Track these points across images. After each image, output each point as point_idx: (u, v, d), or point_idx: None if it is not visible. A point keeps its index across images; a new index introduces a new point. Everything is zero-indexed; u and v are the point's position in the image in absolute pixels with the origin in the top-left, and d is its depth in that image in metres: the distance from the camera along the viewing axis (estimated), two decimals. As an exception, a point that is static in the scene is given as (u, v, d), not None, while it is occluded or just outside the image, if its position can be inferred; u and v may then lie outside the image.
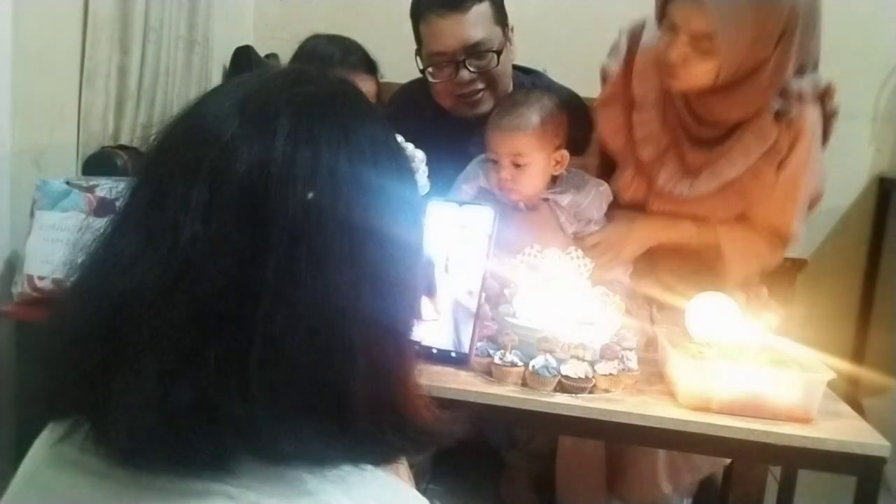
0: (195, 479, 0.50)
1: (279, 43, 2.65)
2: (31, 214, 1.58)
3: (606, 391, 1.22)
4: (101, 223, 0.58)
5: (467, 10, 1.71)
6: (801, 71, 1.45)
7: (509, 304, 1.32)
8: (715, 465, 1.66)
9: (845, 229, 2.53)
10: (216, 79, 2.52)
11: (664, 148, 1.56)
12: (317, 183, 0.54)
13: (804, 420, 1.16)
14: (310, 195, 0.54)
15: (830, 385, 1.20)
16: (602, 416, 1.17)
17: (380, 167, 0.59)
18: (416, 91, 1.89)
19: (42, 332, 0.58)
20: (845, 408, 1.24)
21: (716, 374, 1.18)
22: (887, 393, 2.17)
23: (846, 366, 1.49)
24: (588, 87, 1.78)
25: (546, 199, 1.60)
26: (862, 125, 2.45)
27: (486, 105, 1.79)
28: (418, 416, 0.60)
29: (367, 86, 1.67)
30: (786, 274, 1.87)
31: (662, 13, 1.44)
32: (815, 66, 1.49)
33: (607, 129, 1.65)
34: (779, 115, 1.47)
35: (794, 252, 1.97)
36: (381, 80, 1.92)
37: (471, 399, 1.20)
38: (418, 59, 1.81)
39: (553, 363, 1.20)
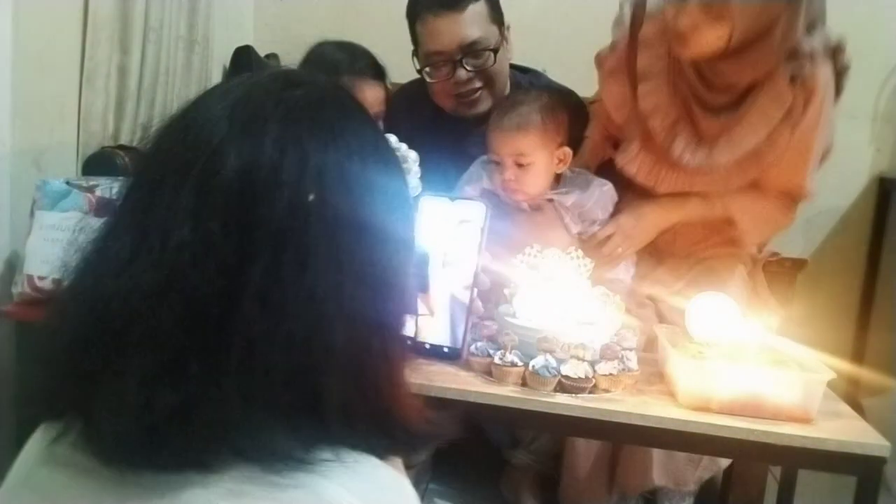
0: (177, 476, 0.51)
1: (279, 43, 2.66)
2: (31, 214, 1.58)
3: (606, 391, 1.22)
4: (97, 223, 0.58)
5: (463, 10, 1.71)
6: (810, 27, 1.42)
7: (509, 304, 1.32)
8: (714, 465, 1.66)
9: (845, 229, 2.53)
10: (216, 79, 2.52)
11: (674, 119, 1.54)
12: (303, 188, 0.55)
13: (804, 420, 1.16)
14: (296, 201, 0.54)
15: (830, 385, 1.20)
16: (602, 416, 1.17)
17: (369, 170, 0.59)
18: (415, 92, 1.89)
19: (40, 332, 0.59)
20: (845, 408, 1.24)
21: (716, 374, 1.18)
22: (887, 393, 2.17)
23: (846, 366, 1.48)
24: (588, 87, 1.78)
25: (550, 200, 1.59)
26: (862, 125, 2.45)
27: (485, 104, 1.79)
28: (407, 416, 0.61)
29: (375, 92, 1.67)
30: (786, 274, 1.86)
31: None
32: (824, 22, 1.46)
33: (612, 102, 1.63)
34: (793, 79, 1.45)
35: (794, 252, 1.98)
36: (382, 82, 1.92)
37: (471, 399, 1.20)
38: (415, 59, 1.81)
39: (553, 363, 1.20)
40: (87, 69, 1.89)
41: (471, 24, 1.73)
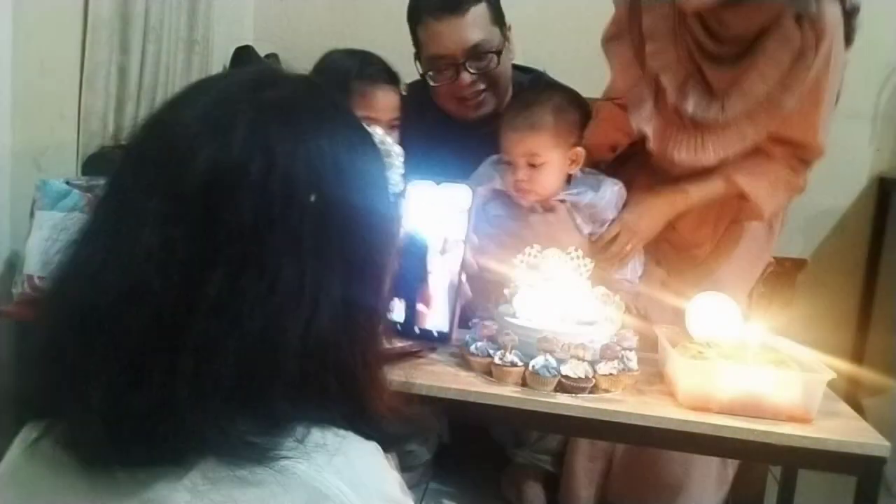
0: (148, 472, 0.53)
1: (279, 43, 2.66)
2: (31, 214, 1.58)
3: (606, 391, 1.22)
4: (79, 222, 0.60)
5: (465, 13, 1.71)
6: None
7: (509, 304, 1.32)
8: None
9: (845, 229, 2.53)
10: (216, 79, 2.52)
11: (684, 77, 1.53)
12: (269, 193, 0.55)
13: (804, 420, 1.16)
14: (261, 205, 0.55)
15: (830, 385, 1.20)
16: (602, 416, 1.17)
17: (343, 172, 0.59)
18: (417, 93, 1.89)
19: (29, 333, 0.60)
20: (845, 408, 1.24)
21: (716, 374, 1.18)
22: (887, 393, 2.17)
23: (846, 366, 1.48)
24: (588, 88, 1.78)
25: (563, 201, 1.59)
26: (862, 125, 2.45)
27: (488, 106, 1.79)
28: (380, 411, 0.61)
29: (388, 98, 1.63)
30: (786, 274, 1.87)
31: None
32: None
33: (618, 64, 1.62)
34: (799, 18, 1.42)
35: (793, 252, 1.98)
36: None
37: (471, 399, 1.20)
38: (417, 63, 1.81)
39: (553, 363, 1.20)
40: (87, 69, 1.89)
41: (473, 26, 1.72)
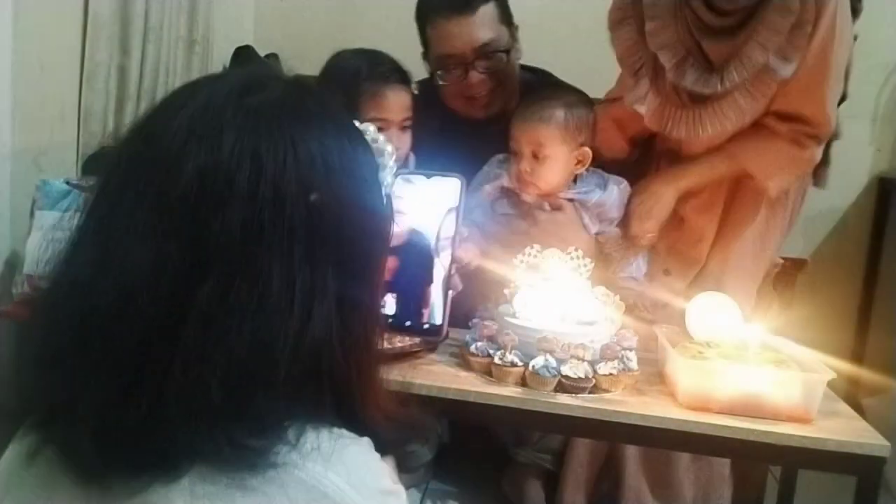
0: (141, 482, 0.53)
1: (279, 43, 2.66)
2: (31, 214, 1.58)
3: (606, 391, 1.22)
4: (69, 227, 0.60)
5: (474, 12, 1.71)
6: None
7: (509, 304, 1.32)
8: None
9: (845, 229, 2.53)
10: (216, 79, 2.52)
11: (683, 55, 1.53)
12: (257, 205, 0.55)
13: (804, 420, 1.16)
14: (250, 215, 0.54)
15: (830, 385, 1.20)
16: (602, 416, 1.17)
17: (333, 178, 0.59)
18: (423, 92, 1.88)
19: (29, 342, 0.60)
20: (845, 408, 1.24)
21: (716, 374, 1.18)
22: (887, 393, 2.17)
23: (846, 366, 1.48)
24: (588, 87, 1.78)
25: (571, 200, 1.59)
26: (862, 125, 2.45)
27: (496, 105, 1.79)
28: (374, 416, 0.62)
29: (400, 98, 1.59)
30: (786, 274, 1.86)
31: None
32: None
33: (624, 49, 1.62)
34: None
35: (794, 252, 1.98)
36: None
37: (471, 399, 1.20)
38: (426, 62, 1.81)
39: (553, 363, 1.20)
40: (87, 69, 1.90)
41: (482, 26, 1.72)
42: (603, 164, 1.67)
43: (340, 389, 0.59)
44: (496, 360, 1.23)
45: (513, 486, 1.84)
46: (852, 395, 2.18)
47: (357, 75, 1.57)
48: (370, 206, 0.63)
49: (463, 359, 1.30)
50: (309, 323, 0.56)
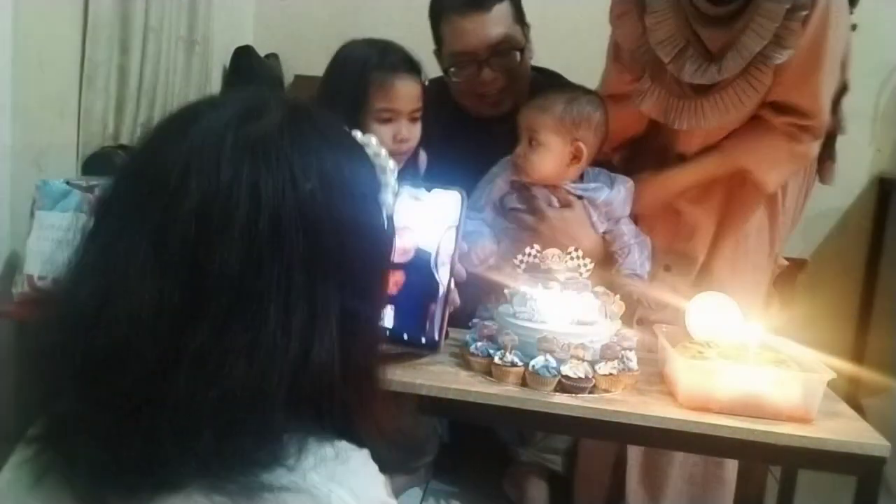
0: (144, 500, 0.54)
1: (279, 43, 2.66)
2: (31, 214, 1.58)
3: (606, 391, 1.21)
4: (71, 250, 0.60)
5: (489, 10, 1.72)
6: None
7: (509, 304, 1.32)
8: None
9: (845, 229, 2.54)
10: (216, 79, 2.52)
11: (683, 46, 1.54)
12: (256, 242, 0.55)
13: (804, 420, 1.16)
14: (249, 247, 0.54)
15: (830, 385, 1.20)
16: (602, 416, 1.17)
17: (332, 207, 0.58)
18: (434, 91, 1.88)
19: (31, 367, 0.62)
20: (845, 408, 1.24)
21: (716, 374, 1.18)
22: (887, 393, 2.17)
23: (846, 366, 1.48)
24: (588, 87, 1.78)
25: (580, 197, 1.59)
26: (862, 125, 2.45)
27: (506, 104, 1.79)
28: (375, 431, 0.62)
29: (409, 87, 1.58)
30: (786, 274, 1.86)
31: None
32: None
33: (627, 41, 1.62)
34: None
35: (794, 252, 1.98)
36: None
37: (471, 399, 1.20)
38: (438, 59, 1.81)
39: (553, 363, 1.20)
40: (87, 69, 1.89)
41: (497, 24, 1.73)
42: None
43: (339, 413, 0.60)
44: (496, 360, 1.23)
45: (514, 485, 1.84)
46: (852, 395, 2.18)
47: (366, 64, 1.56)
48: (371, 233, 0.63)
49: (463, 359, 1.30)
50: (308, 356, 0.56)
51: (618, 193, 1.59)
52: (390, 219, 0.67)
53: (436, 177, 1.63)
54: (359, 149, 0.66)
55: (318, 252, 0.57)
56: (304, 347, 0.56)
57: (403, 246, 1.24)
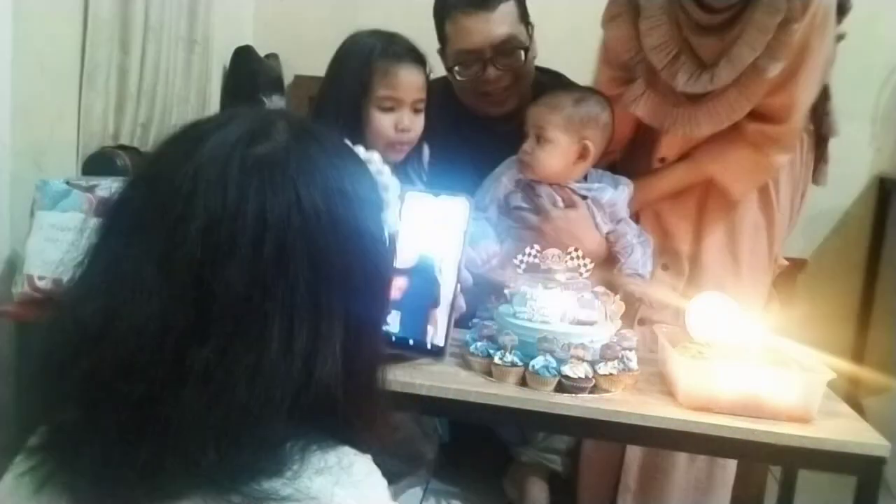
0: None
1: (279, 43, 2.66)
2: (31, 214, 1.58)
3: (606, 391, 1.22)
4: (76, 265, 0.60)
5: (494, 9, 1.72)
6: None
7: (509, 304, 1.32)
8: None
9: (845, 229, 2.54)
10: (216, 79, 2.52)
11: (676, 53, 1.54)
12: (261, 265, 0.55)
13: (804, 420, 1.16)
14: (254, 271, 0.55)
15: (830, 385, 1.20)
16: (602, 416, 1.17)
17: (337, 228, 0.59)
18: (437, 90, 1.88)
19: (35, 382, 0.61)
20: (845, 408, 1.24)
21: (716, 374, 1.18)
22: (887, 393, 2.17)
23: (846, 366, 1.48)
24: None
25: (585, 196, 1.59)
26: (862, 125, 2.45)
27: (510, 103, 1.79)
28: (371, 436, 0.62)
29: (413, 77, 1.58)
30: (786, 274, 1.86)
31: None
32: None
33: (619, 44, 1.62)
34: None
35: (793, 252, 1.98)
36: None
37: (471, 399, 1.20)
38: (442, 58, 1.81)
39: (553, 363, 1.20)
40: (87, 69, 1.89)
41: (501, 23, 1.73)
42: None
43: (341, 425, 0.60)
44: (496, 360, 1.23)
45: (515, 485, 1.84)
46: (852, 395, 2.18)
47: (371, 52, 1.57)
48: (374, 254, 0.63)
49: (463, 359, 1.30)
50: (311, 376, 0.57)
51: (621, 194, 1.60)
52: (392, 237, 0.67)
53: (439, 175, 1.64)
54: (363, 168, 0.66)
55: (323, 273, 0.58)
56: (308, 367, 0.57)
57: (405, 251, 1.25)
